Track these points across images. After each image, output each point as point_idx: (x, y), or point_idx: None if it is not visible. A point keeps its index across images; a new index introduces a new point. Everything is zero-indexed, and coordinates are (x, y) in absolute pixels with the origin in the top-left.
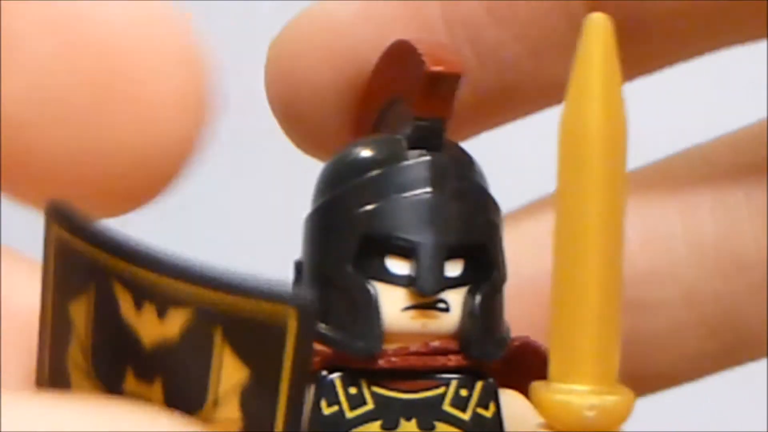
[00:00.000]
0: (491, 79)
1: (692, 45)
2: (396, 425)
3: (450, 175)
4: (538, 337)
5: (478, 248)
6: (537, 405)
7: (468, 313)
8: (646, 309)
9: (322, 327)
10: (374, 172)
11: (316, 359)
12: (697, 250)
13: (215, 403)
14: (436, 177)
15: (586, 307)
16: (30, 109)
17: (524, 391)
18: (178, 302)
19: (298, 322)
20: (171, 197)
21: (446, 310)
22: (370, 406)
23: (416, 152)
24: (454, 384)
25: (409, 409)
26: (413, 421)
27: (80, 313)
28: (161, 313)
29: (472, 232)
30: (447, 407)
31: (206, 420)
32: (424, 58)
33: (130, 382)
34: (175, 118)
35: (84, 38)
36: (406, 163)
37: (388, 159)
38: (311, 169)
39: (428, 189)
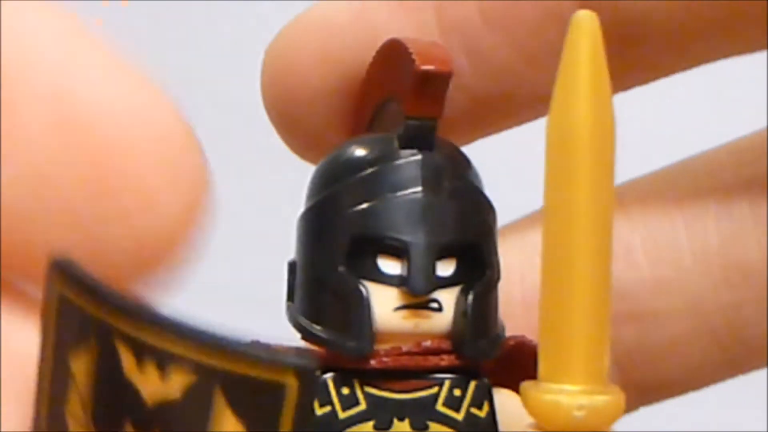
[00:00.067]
0: (487, 85)
1: (692, 54)
2: (389, 425)
3: (442, 175)
4: None
5: (470, 248)
6: (526, 405)
7: (461, 312)
8: (652, 318)
9: (314, 327)
10: (365, 172)
11: None
12: (702, 260)
13: None
14: (428, 176)
15: (576, 306)
16: (27, 201)
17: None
18: (178, 360)
19: (298, 383)
20: None
21: (439, 309)
22: (362, 406)
23: (408, 152)
24: (447, 384)
25: (401, 409)
26: (406, 422)
27: (81, 366)
28: (162, 371)
29: (464, 231)
30: (440, 407)
31: None
32: (414, 57)
33: None
34: (171, 207)
35: (82, 131)
36: (397, 162)
37: (380, 158)
38: (307, 170)
39: (419, 188)
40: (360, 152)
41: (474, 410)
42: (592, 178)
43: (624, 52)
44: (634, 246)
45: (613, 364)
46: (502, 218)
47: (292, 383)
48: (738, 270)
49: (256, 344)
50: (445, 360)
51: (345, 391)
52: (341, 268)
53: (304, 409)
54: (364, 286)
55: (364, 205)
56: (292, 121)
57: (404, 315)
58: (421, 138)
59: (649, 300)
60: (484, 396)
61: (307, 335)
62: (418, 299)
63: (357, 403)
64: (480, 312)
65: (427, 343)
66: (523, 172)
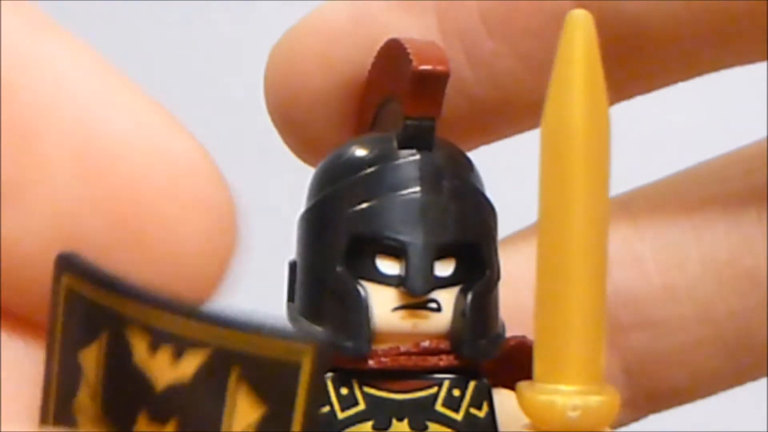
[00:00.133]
0: (488, 91)
1: (695, 63)
2: (388, 425)
3: (441, 175)
4: None
5: (469, 248)
6: (521, 405)
7: (459, 312)
8: (662, 326)
9: (313, 327)
10: (364, 172)
11: None
12: (711, 268)
13: None
14: (427, 176)
15: (571, 306)
16: (53, 243)
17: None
18: (196, 344)
19: (312, 359)
20: None
21: (438, 309)
22: (361, 406)
23: (407, 152)
24: (446, 384)
25: (400, 410)
26: (405, 422)
27: (91, 360)
28: (178, 355)
29: (463, 231)
30: (439, 407)
31: None
32: (411, 56)
33: (143, 424)
34: (200, 260)
35: (111, 181)
36: (396, 162)
37: (379, 159)
38: (307, 171)
39: (418, 188)
40: (359, 152)
41: (473, 410)
42: (587, 178)
43: (627, 60)
44: (643, 254)
45: (622, 372)
46: (504, 219)
47: (307, 359)
48: (747, 277)
49: (269, 323)
50: (444, 360)
51: (344, 391)
52: (339, 269)
53: (317, 387)
54: (362, 286)
55: (363, 206)
56: (295, 125)
57: (403, 315)
58: (419, 138)
59: (658, 308)
60: (483, 396)
61: None
62: (417, 299)
63: (356, 403)
64: (479, 312)
65: (426, 344)
66: (525, 173)
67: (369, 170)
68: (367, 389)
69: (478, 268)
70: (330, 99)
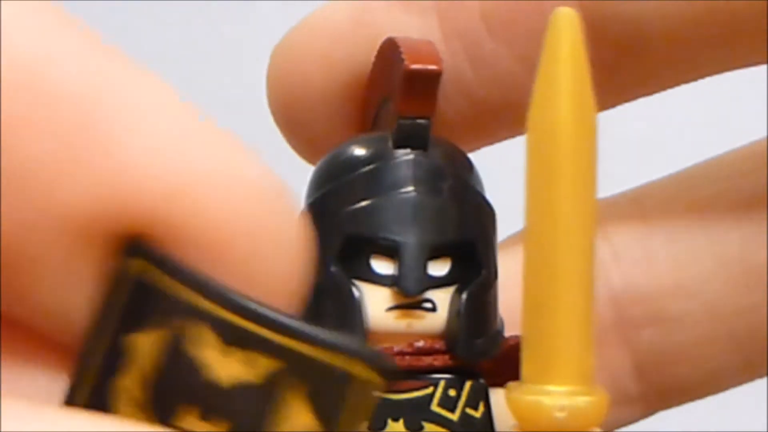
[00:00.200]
0: (489, 92)
1: (694, 67)
2: (383, 426)
3: (436, 174)
4: None
5: (465, 247)
6: (509, 405)
7: (455, 312)
8: (671, 322)
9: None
10: (359, 172)
11: None
12: (721, 264)
13: None
14: (421, 176)
15: (558, 306)
16: None
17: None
18: (267, 351)
19: (381, 383)
20: None
21: (432, 309)
22: None
23: (401, 151)
24: (442, 384)
25: (396, 410)
26: (400, 422)
27: (148, 345)
28: (247, 360)
29: (458, 231)
30: (435, 407)
31: None
32: (403, 55)
33: (190, 419)
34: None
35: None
36: (390, 162)
37: (373, 158)
38: (308, 170)
39: (411, 188)
40: (354, 152)
41: (469, 410)
42: (573, 176)
43: (628, 62)
44: (654, 250)
45: (633, 368)
46: (504, 220)
47: (375, 381)
48: (757, 273)
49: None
50: (439, 360)
51: None
52: (333, 268)
53: (371, 407)
54: (356, 286)
55: (357, 205)
56: (297, 124)
57: (397, 315)
58: (414, 137)
59: (669, 304)
60: (479, 396)
61: None
62: (411, 299)
63: None
64: (475, 312)
65: (420, 344)
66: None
67: (363, 170)
68: None
69: (474, 267)
70: (331, 98)
